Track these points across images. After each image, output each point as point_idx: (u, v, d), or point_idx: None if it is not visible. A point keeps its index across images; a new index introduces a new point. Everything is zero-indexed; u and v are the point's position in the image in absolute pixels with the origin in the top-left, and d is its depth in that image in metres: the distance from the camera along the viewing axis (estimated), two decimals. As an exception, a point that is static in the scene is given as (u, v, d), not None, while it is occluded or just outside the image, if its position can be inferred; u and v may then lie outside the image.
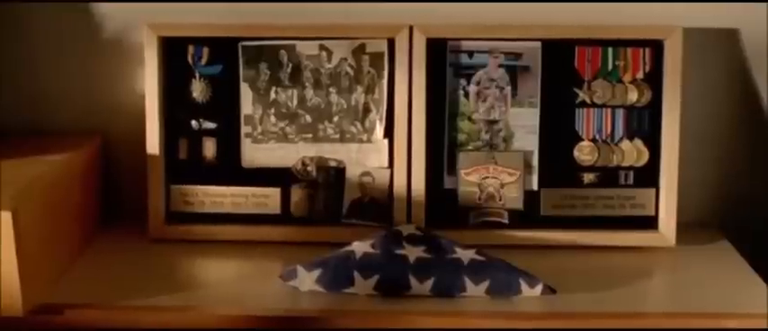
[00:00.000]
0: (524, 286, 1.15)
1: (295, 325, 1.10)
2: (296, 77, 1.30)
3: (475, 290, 1.13)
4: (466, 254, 1.16)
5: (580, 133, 1.31)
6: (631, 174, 1.31)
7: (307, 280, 1.15)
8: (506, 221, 1.31)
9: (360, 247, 1.17)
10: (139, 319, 1.09)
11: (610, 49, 1.30)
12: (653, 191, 1.30)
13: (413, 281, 1.13)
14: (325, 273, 1.15)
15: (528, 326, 1.10)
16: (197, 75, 1.31)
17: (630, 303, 1.14)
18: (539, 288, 1.15)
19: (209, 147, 1.32)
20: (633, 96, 1.30)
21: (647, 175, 1.30)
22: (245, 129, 1.31)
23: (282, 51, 1.30)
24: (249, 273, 1.22)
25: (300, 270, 1.16)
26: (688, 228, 1.31)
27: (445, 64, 1.30)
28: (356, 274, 1.14)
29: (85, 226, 1.31)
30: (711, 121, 1.37)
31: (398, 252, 1.16)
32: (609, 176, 1.31)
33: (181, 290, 1.16)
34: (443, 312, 1.10)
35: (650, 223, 1.31)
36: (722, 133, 1.38)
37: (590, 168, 1.31)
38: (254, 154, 1.31)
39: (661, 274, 1.26)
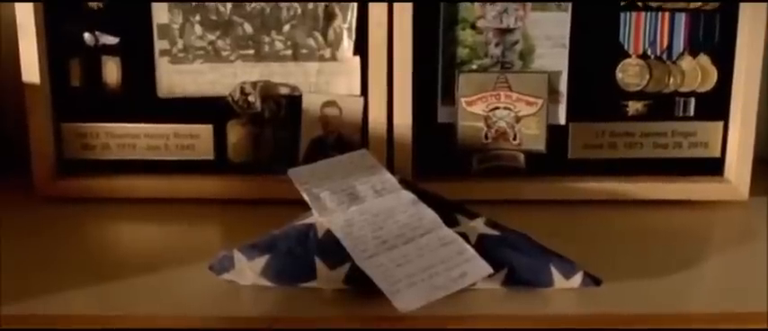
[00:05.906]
0: (557, 275, 0.96)
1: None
2: (230, -29, 1.18)
3: (486, 281, 0.96)
4: (472, 227, 0.98)
5: (626, 47, 1.18)
6: (692, 102, 1.19)
7: (248, 271, 0.96)
8: (523, 166, 1.19)
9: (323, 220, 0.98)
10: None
11: (669, -72, 1.17)
12: (720, 125, 1.19)
13: (399, 270, 0.97)
14: (275, 261, 0.96)
15: (564, 338, 0.92)
16: (89, -32, 1.16)
17: (703, 295, 0.99)
18: (577, 278, 0.96)
19: (112, 70, 1.19)
20: (700, -5, 1.17)
21: (714, 104, 1.19)
22: (159, 44, 1.18)
23: (210, -67, 1.16)
24: (172, 250, 1.06)
25: (239, 257, 0.96)
26: (756, 171, 1.17)
27: (439, -50, 1.17)
28: (318, 262, 0.96)
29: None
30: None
31: (377, 225, 1.00)
32: (663, 105, 1.19)
33: (75, 282, 0.98)
34: (440, 317, 0.93)
35: (715, 167, 1.19)
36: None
37: (638, 95, 1.19)
38: (175, 78, 1.19)
39: (736, 243, 1.10)
